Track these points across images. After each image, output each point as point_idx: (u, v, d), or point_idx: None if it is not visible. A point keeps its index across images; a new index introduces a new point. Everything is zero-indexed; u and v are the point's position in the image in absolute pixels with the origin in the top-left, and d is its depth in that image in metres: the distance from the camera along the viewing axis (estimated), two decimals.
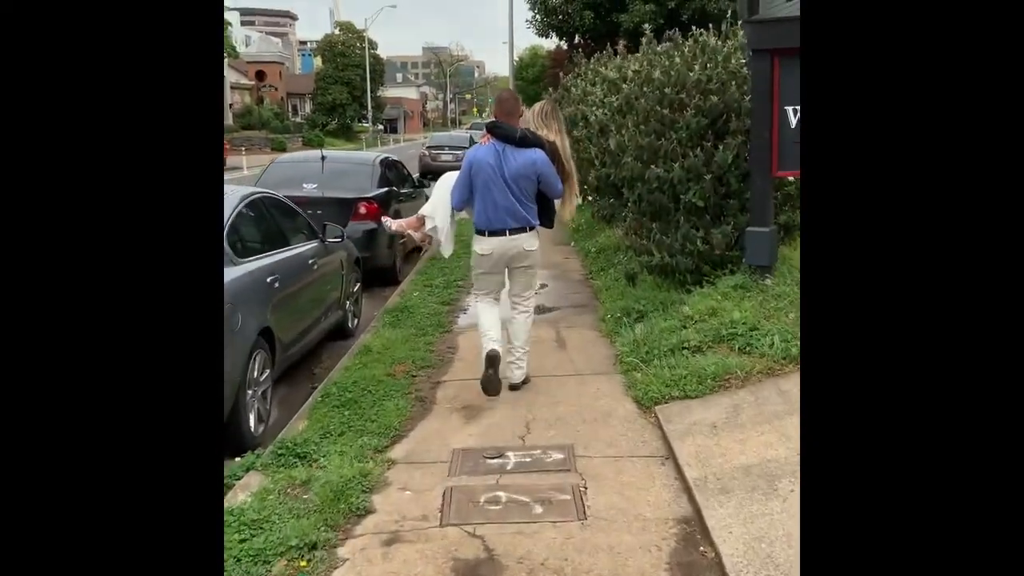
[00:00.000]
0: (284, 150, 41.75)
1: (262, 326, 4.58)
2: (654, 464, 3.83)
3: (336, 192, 8.44)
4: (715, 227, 5.92)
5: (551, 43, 29.96)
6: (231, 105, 49.76)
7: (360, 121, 59.25)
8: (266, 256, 5.00)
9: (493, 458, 3.95)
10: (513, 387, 4.89)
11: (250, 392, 4.42)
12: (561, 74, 13.61)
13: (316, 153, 9.29)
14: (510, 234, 4.64)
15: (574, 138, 9.75)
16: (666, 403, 4.47)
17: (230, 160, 31.46)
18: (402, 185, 9.90)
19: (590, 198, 10.43)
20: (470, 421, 4.50)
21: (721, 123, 5.94)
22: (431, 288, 7.94)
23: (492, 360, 4.66)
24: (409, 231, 5.19)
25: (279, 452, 3.99)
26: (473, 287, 5.11)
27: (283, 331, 4.95)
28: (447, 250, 5.13)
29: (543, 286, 8.14)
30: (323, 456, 3.94)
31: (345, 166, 9.35)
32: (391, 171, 9.70)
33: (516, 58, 36.93)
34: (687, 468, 3.63)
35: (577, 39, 25.78)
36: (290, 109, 62.01)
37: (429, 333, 6.29)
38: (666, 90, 6.06)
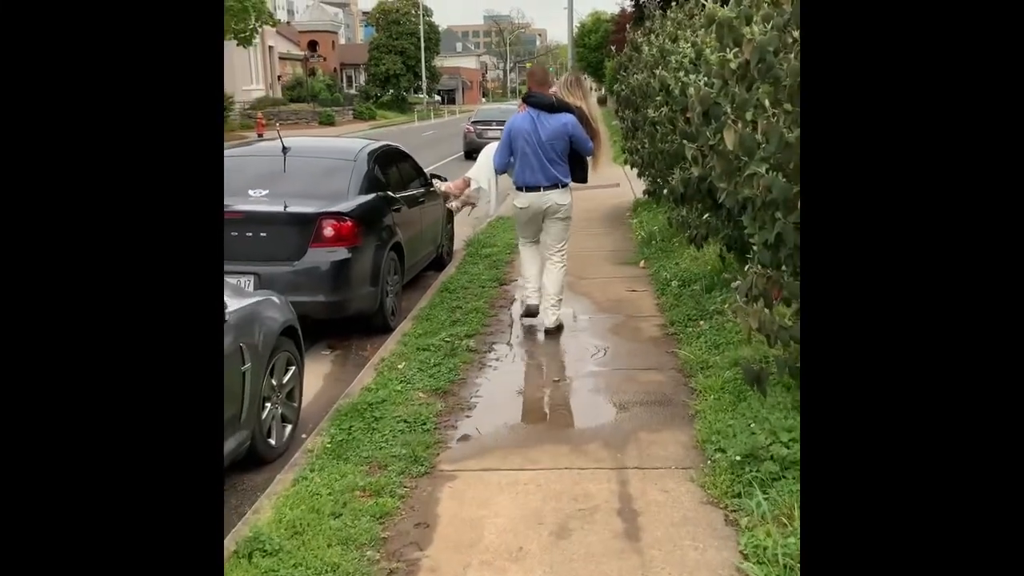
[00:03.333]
0: (333, 124, 39.34)
1: None
2: None
3: (294, 203, 5.66)
4: None
5: (615, 7, 27.07)
6: (279, 77, 47.51)
7: (415, 92, 56.60)
8: None
9: None
10: (547, 332, 5.58)
11: None
12: (629, 28, 10.62)
13: (276, 144, 6.42)
14: (543, 190, 5.38)
15: (649, 120, 6.85)
16: None
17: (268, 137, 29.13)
18: (403, 187, 6.95)
19: (668, 198, 7.46)
20: None
21: None
22: (428, 353, 5.14)
23: (531, 312, 5.74)
24: (453, 193, 5.97)
25: None
26: (518, 236, 5.96)
27: None
28: (493, 209, 6.03)
29: (604, 351, 5.31)
30: None
31: (317, 161, 6.47)
32: (387, 168, 6.77)
33: (578, 24, 33.94)
34: None
35: None
36: (344, 80, 59.68)
37: (392, 483, 3.49)
38: None
